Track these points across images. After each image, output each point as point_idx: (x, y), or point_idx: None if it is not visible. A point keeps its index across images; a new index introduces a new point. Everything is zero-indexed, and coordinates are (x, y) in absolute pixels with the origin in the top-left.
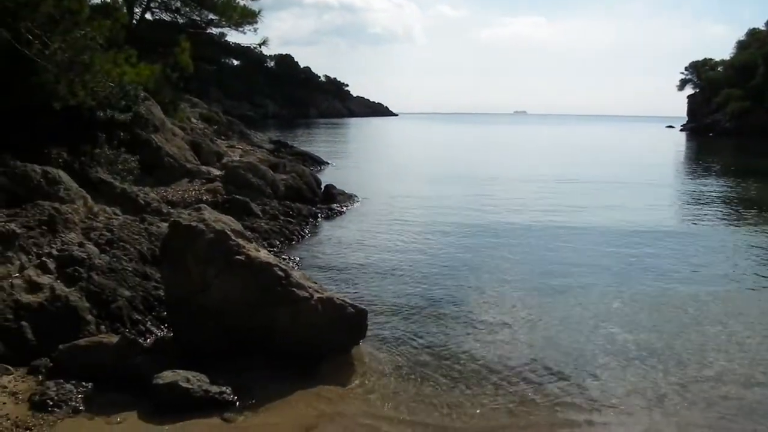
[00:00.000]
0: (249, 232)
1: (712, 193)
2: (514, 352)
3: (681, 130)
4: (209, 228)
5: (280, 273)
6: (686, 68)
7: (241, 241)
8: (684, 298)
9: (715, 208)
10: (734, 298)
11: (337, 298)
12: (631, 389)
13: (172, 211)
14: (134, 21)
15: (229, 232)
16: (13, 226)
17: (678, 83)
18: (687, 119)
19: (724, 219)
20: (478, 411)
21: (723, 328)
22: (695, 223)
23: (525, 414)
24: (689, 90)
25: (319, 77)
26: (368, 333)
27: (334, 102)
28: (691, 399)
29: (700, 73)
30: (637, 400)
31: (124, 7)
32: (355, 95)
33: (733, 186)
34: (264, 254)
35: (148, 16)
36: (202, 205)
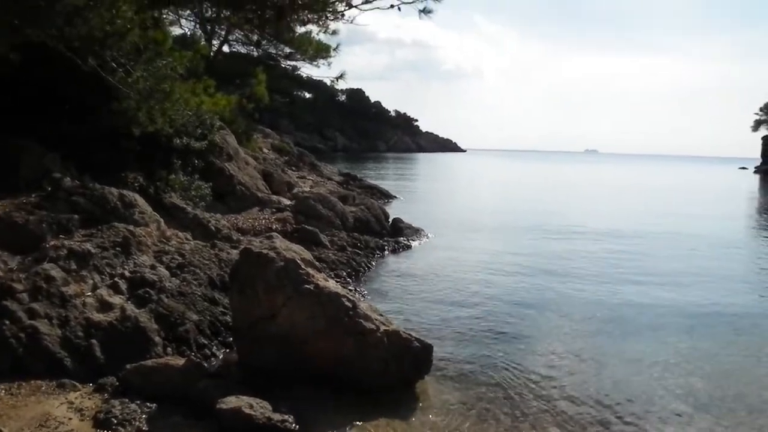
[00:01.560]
0: (317, 262)
1: None
2: (580, 393)
3: (755, 171)
4: (280, 256)
5: (348, 304)
6: (761, 109)
7: (310, 270)
8: (760, 347)
9: None
10: None
11: (404, 332)
12: None
13: (242, 238)
14: (211, 53)
15: (299, 261)
16: (88, 245)
17: (752, 124)
18: (761, 160)
19: None
20: None
21: None
22: None
23: None
24: (764, 131)
25: (389, 112)
26: (433, 367)
27: (403, 137)
28: None
29: None
30: None
31: (203, 39)
32: (424, 130)
33: None
34: (332, 284)
35: (225, 48)
36: (273, 234)
